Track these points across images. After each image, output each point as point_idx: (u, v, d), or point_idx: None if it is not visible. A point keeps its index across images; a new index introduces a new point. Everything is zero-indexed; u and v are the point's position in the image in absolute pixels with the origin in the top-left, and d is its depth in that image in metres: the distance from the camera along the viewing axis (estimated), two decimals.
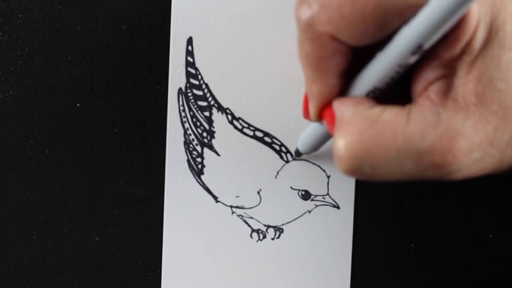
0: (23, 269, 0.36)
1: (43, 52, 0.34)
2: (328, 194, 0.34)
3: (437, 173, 0.22)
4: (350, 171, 0.22)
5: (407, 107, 0.22)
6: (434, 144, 0.21)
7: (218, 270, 0.35)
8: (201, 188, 0.35)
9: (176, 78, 0.34)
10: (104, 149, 0.35)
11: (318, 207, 0.35)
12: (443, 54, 0.22)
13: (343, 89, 0.24)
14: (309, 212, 0.35)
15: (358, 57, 0.24)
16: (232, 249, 0.35)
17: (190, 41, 0.34)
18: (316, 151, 0.30)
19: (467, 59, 0.21)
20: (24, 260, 0.36)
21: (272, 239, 0.35)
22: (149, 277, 0.35)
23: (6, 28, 0.34)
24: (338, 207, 0.34)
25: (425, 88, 0.23)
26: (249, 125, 0.34)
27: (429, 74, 0.23)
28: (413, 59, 0.22)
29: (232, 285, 0.35)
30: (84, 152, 0.35)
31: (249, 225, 0.35)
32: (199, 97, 0.34)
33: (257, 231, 0.35)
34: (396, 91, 0.25)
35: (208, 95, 0.34)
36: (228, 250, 0.35)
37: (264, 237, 0.35)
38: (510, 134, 0.21)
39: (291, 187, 0.34)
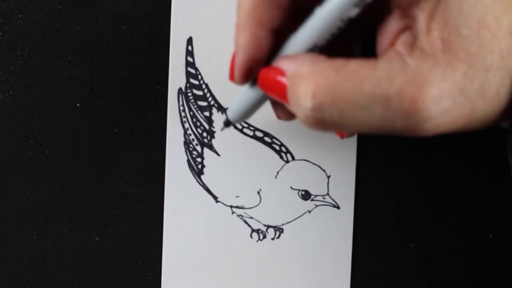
0: (23, 269, 0.36)
1: (43, 52, 0.34)
2: (328, 194, 0.34)
3: (407, 121, 0.21)
4: (318, 121, 0.22)
5: (373, 59, 0.22)
6: (403, 88, 0.21)
7: (218, 270, 0.35)
8: (201, 188, 0.35)
9: (176, 78, 0.34)
10: (104, 149, 0.35)
11: (318, 207, 0.35)
12: (401, 1, 0.21)
13: (271, 51, 0.24)
14: (309, 212, 0.35)
15: (292, 22, 0.23)
16: (232, 249, 0.35)
17: (190, 41, 0.34)
18: (247, 118, 0.28)
19: (428, 6, 0.21)
20: (24, 260, 0.36)
21: (272, 239, 0.35)
22: (149, 277, 0.35)
23: (6, 28, 0.34)
24: (338, 207, 0.34)
25: (392, 43, 0.23)
26: (249, 125, 0.34)
27: (393, 26, 0.22)
28: (355, 12, 0.21)
29: (232, 285, 0.35)
30: (84, 152, 0.35)
31: (249, 225, 0.35)
32: (199, 97, 0.34)
33: (257, 231, 0.35)
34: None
35: (208, 95, 0.34)
36: (228, 250, 0.35)
37: (264, 237, 0.35)
38: (479, 82, 0.21)
39: (291, 187, 0.34)
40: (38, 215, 0.35)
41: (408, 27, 0.22)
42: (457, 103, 0.21)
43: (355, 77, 0.21)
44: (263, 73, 0.24)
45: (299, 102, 0.22)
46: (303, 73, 0.22)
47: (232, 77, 0.25)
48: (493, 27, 0.21)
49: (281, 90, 0.23)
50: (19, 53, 0.34)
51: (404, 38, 0.22)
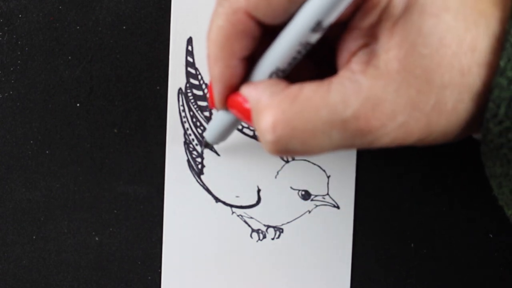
0: (23, 269, 0.36)
1: (43, 52, 0.34)
2: (328, 194, 0.34)
3: (364, 139, 0.22)
4: (281, 151, 0.22)
5: (327, 80, 0.22)
6: (357, 110, 0.21)
7: (218, 270, 0.35)
8: (201, 188, 0.35)
9: (176, 78, 0.34)
10: (104, 149, 0.35)
11: (318, 207, 0.35)
12: (361, 23, 0.22)
13: (245, 76, 0.24)
14: (309, 212, 0.35)
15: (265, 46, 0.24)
16: (232, 249, 0.35)
17: (190, 41, 0.34)
18: (225, 140, 0.30)
19: (387, 25, 0.21)
20: (24, 260, 0.36)
21: (272, 239, 0.35)
22: (149, 277, 0.35)
23: (6, 28, 0.34)
24: (338, 207, 0.34)
25: (348, 60, 0.23)
26: (250, 125, 0.34)
27: (351, 44, 0.22)
28: (314, 38, 0.21)
29: (232, 285, 0.35)
30: (84, 152, 0.35)
31: (249, 225, 0.35)
32: (199, 97, 0.34)
33: (257, 231, 0.35)
34: (319, 70, 0.25)
35: (208, 95, 0.34)
36: (228, 250, 0.35)
37: (264, 237, 0.35)
38: (436, 98, 0.21)
39: (291, 187, 0.34)
40: (38, 215, 0.35)
41: (366, 44, 0.22)
42: (412, 118, 0.21)
43: (311, 105, 0.21)
44: (231, 99, 0.25)
45: (261, 134, 0.22)
46: (263, 105, 0.22)
47: (212, 105, 0.26)
48: (454, 45, 0.21)
49: (248, 116, 0.24)
50: (19, 53, 0.34)
51: (360, 55, 0.22)
